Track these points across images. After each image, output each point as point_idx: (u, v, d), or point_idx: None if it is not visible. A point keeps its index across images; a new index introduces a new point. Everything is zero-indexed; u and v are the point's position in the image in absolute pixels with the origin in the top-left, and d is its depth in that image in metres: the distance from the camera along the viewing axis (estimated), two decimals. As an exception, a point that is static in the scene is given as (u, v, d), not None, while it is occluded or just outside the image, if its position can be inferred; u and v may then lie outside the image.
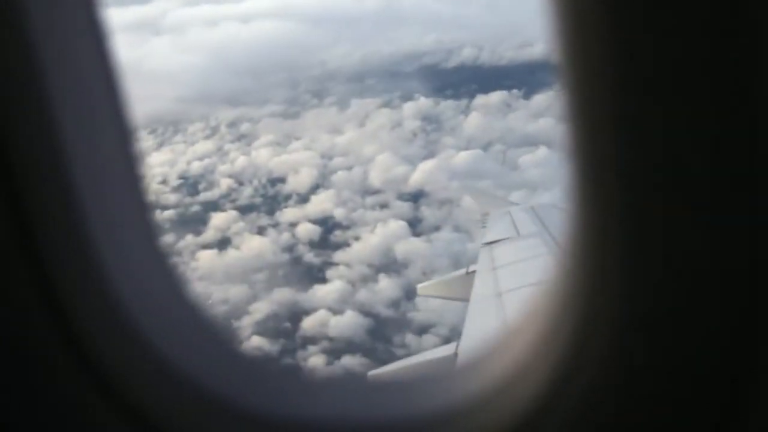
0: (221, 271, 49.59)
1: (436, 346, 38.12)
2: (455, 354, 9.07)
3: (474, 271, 11.86)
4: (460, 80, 77.73)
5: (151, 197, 1.35)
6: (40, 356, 1.25)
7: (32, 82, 1.12)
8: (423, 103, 72.49)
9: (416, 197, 56.01)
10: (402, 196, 56.42)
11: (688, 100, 0.95)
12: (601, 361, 1.10)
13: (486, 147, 61.72)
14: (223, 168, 65.92)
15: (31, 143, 1.15)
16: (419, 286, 15.43)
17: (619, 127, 0.97)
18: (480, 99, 70.01)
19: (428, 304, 40.99)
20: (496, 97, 69.44)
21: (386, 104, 74.88)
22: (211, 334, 1.40)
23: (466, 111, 69.31)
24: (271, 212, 57.63)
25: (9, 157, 1.14)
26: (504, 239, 12.88)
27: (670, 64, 0.93)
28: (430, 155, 62.62)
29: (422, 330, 39.68)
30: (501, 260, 11.75)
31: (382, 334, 41.67)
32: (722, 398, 1.08)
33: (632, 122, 0.96)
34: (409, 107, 72.19)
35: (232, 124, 76.04)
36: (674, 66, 0.93)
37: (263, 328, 43.08)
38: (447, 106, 71.11)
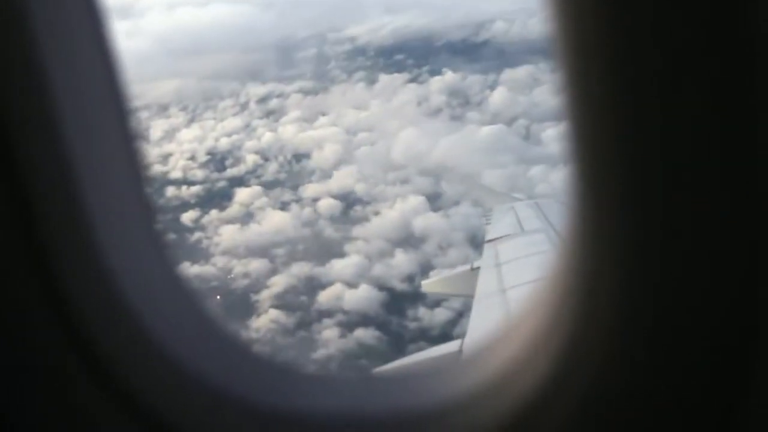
0: (243, 245, 50.60)
1: (448, 319, 38.58)
2: (460, 351, 9.07)
3: (478, 268, 11.92)
4: (489, 54, 77.51)
5: (154, 195, 1.39)
6: (44, 355, 1.26)
7: (34, 80, 1.13)
8: (450, 78, 72.52)
9: (438, 172, 56.36)
10: (423, 171, 56.82)
11: (688, 97, 0.95)
12: (600, 357, 1.10)
13: (510, 122, 61.69)
14: (250, 144, 66.93)
15: (35, 143, 1.16)
16: (424, 282, 15.81)
17: (618, 125, 0.98)
18: (507, 73, 69.87)
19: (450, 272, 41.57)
20: (524, 71, 69.26)
21: (414, 79, 75.10)
22: (216, 331, 1.40)
23: (493, 85, 69.20)
24: (294, 188, 58.54)
25: (13, 158, 1.15)
26: (508, 235, 12.96)
27: (670, 62, 0.93)
28: (454, 130, 62.82)
29: (435, 304, 40.10)
30: (505, 256, 11.81)
31: (396, 307, 42.26)
32: (721, 395, 1.09)
33: (631, 120, 0.97)
34: (435, 82, 72.34)
35: (262, 101, 76.90)
36: (675, 64, 0.94)
37: (281, 302, 43.99)
38: (474, 80, 71.01)
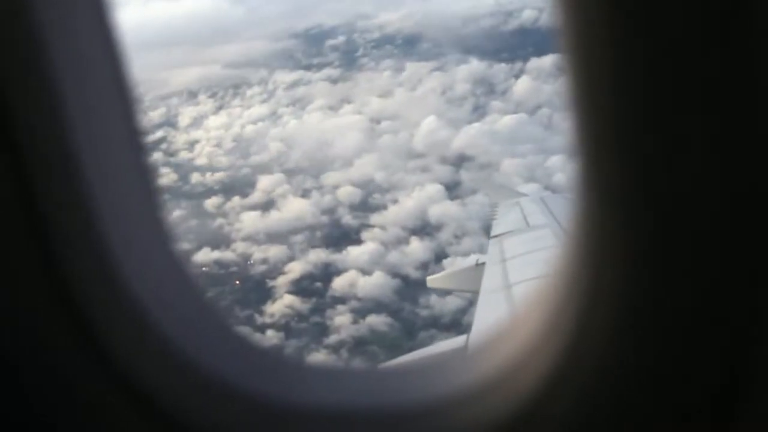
0: (263, 231, 51.44)
1: (459, 307, 38.90)
2: (465, 346, 8.98)
3: (483, 263, 11.95)
4: (517, 43, 77.21)
5: (162, 191, 1.55)
6: (52, 353, 1.26)
7: (42, 79, 1.13)
8: (476, 66, 72.51)
9: (457, 161, 56.67)
10: (443, 160, 57.17)
11: (696, 93, 0.94)
12: (603, 353, 1.11)
13: (533, 111, 61.65)
14: (275, 131, 67.71)
15: (43, 141, 1.16)
16: (429, 278, 15.61)
17: (622, 122, 0.97)
18: (534, 62, 69.67)
19: (455, 267, 42.02)
20: (550, 60, 68.84)
21: (440, 67, 75.25)
22: (222, 325, 1.41)
23: (519, 74, 69.09)
24: (316, 175, 59.11)
25: (21, 156, 1.15)
26: (513, 231, 12.98)
27: (674, 60, 0.93)
28: (476, 119, 62.97)
29: (447, 292, 40.47)
30: (510, 252, 11.83)
31: (409, 294, 42.77)
32: (722, 395, 1.09)
33: (636, 117, 0.96)
34: (461, 70, 72.42)
35: (289, 88, 77.63)
36: (679, 62, 0.93)
37: (297, 288, 44.74)
38: (500, 69, 70.85)
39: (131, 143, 1.31)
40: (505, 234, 12.91)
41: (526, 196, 15.76)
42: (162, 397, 1.28)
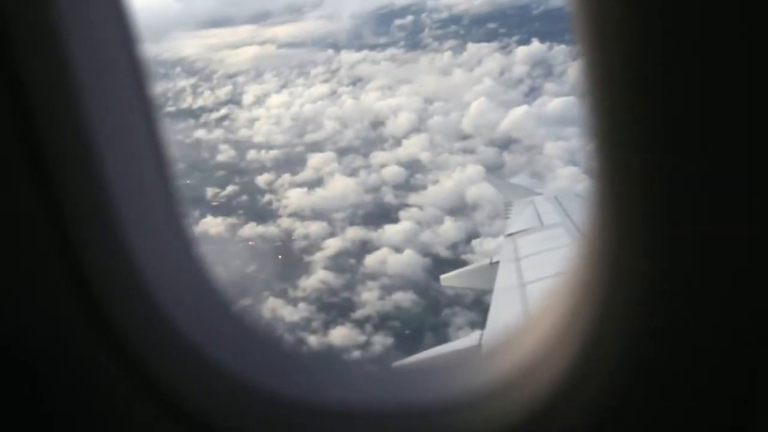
0: (308, 208, 53.21)
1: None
2: (479, 345, 8.97)
3: (497, 262, 11.75)
4: (582, 24, 76.07)
5: (178, 187, 1.40)
6: (72, 348, 1.27)
7: (63, 78, 1.13)
8: (536, 47, 72.29)
9: (503, 143, 57.09)
10: (489, 142, 57.71)
11: (710, 103, 0.91)
12: (617, 354, 1.10)
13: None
14: (332, 110, 69.51)
15: (63, 140, 1.16)
16: (442, 276, 15.19)
17: (641, 122, 0.94)
18: (595, 44, 68.65)
19: (483, 248, 42.85)
20: (612, 41, 67.84)
21: (502, 48, 75.32)
22: (239, 321, 1.42)
23: (578, 56, 68.28)
24: (366, 154, 60.62)
25: (41, 155, 1.15)
26: (528, 229, 12.82)
27: (693, 55, 0.89)
28: (528, 101, 63.07)
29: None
30: (524, 251, 11.66)
31: (437, 273, 43.66)
32: (734, 397, 1.08)
33: (653, 118, 0.93)
34: (521, 52, 72.34)
35: (352, 68, 79.16)
36: (697, 57, 0.89)
37: (332, 263, 46.33)
38: (560, 51, 70.50)
39: (150, 140, 1.32)
40: (519, 233, 12.72)
41: (540, 195, 15.40)
42: (178, 391, 1.29)
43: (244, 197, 56.34)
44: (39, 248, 1.22)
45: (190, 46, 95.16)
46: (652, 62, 0.91)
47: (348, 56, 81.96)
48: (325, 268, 45.85)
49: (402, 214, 50.89)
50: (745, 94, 0.90)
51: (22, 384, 1.32)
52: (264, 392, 1.31)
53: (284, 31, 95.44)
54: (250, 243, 50.48)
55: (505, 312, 9.41)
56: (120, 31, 1.24)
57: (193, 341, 1.31)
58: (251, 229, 51.52)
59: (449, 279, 14.92)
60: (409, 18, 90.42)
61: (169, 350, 1.30)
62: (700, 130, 0.93)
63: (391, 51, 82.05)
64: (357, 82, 75.83)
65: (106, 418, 1.34)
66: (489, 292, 10.69)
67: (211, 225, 51.92)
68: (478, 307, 38.72)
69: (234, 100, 76.37)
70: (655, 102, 0.93)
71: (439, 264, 44.34)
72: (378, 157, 59.44)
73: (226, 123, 70.81)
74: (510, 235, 12.73)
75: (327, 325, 40.44)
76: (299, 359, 1.44)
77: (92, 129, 1.17)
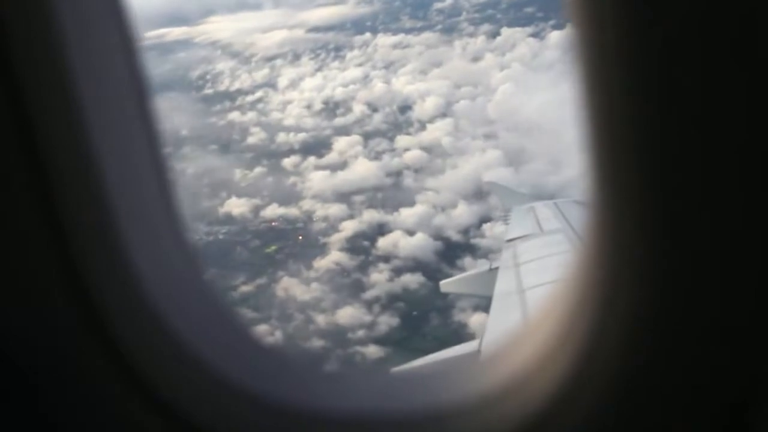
0: (330, 190, 54.38)
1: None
2: (478, 351, 9.13)
3: (497, 268, 11.91)
4: (619, 8, 75.34)
5: (176, 191, 1.37)
6: (70, 355, 1.27)
7: (61, 82, 1.12)
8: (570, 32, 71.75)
9: (525, 129, 57.33)
10: (512, 127, 57.98)
11: (709, 100, 0.92)
12: (617, 359, 1.10)
13: (614, 79, 60.72)
14: (362, 94, 70.38)
15: (61, 144, 1.15)
16: (442, 282, 15.51)
17: (637, 126, 0.95)
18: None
19: (494, 232, 43.41)
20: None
21: (536, 33, 75.15)
22: (238, 330, 1.43)
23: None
24: (392, 138, 61.44)
25: (40, 158, 1.15)
26: (527, 235, 12.97)
27: (689, 60, 0.90)
28: (556, 86, 62.97)
29: (482, 255, 41.93)
30: (524, 257, 11.82)
31: (447, 256, 44.53)
32: (737, 398, 1.08)
33: (650, 121, 0.94)
34: (554, 36, 72.08)
35: (386, 52, 79.82)
36: (697, 61, 0.90)
37: (347, 245, 47.41)
38: (593, 35, 69.92)
39: (148, 144, 1.31)
40: (518, 238, 12.90)
41: (539, 202, 15.67)
42: (175, 398, 1.29)
43: (269, 179, 57.79)
44: (36, 252, 1.21)
45: (224, 29, 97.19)
46: (650, 66, 0.92)
47: (384, 40, 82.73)
48: (340, 249, 46.92)
49: (418, 197, 51.68)
50: (743, 96, 0.92)
51: (17, 387, 1.32)
52: (261, 399, 1.32)
53: (315, 15, 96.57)
54: (274, 224, 51.84)
55: (504, 318, 9.58)
56: (120, 38, 1.25)
57: (191, 348, 1.31)
58: (273, 210, 52.86)
59: (449, 285, 15.24)
60: (448, 1, 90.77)
61: (166, 356, 1.30)
62: (698, 132, 0.95)
63: (426, 35, 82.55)
64: (390, 66, 76.60)
65: (101, 420, 1.34)
66: (489, 297, 10.83)
67: (234, 206, 53.48)
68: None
69: (270, 83, 77.86)
70: (652, 105, 0.94)
71: (450, 247, 45.14)
72: (402, 141, 60.28)
73: (260, 106, 72.28)
74: (510, 240, 12.93)
75: (335, 305, 41.51)
76: (297, 366, 1.44)
77: (91, 134, 1.17)
